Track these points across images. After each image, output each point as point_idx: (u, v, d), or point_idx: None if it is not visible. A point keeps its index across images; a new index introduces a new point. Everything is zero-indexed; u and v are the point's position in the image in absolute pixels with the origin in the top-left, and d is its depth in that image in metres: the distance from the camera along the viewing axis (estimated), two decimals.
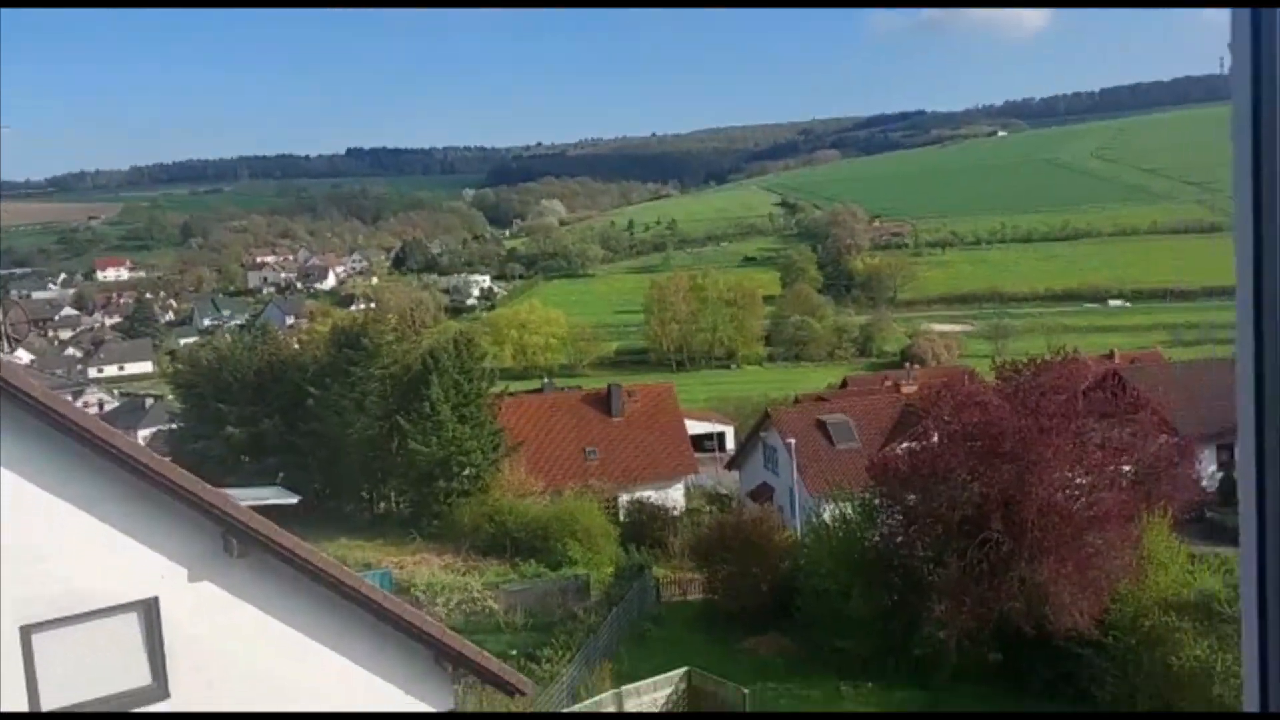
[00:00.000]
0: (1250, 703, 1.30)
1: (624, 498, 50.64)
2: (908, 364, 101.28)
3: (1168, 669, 22.04)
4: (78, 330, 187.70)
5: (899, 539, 28.46)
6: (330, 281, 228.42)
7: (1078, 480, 26.27)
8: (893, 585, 28.14)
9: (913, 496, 27.84)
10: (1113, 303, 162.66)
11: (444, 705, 12.76)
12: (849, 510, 31.01)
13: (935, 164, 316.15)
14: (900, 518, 28.50)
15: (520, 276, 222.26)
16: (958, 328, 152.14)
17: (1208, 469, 43.96)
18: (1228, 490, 46.25)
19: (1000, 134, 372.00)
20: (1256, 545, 1.27)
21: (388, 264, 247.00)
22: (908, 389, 53.01)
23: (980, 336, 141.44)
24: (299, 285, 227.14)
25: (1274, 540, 1.24)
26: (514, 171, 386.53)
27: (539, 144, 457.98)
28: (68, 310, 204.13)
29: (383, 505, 55.59)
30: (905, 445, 32.52)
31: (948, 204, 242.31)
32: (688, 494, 55.37)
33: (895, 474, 28.46)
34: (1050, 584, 24.23)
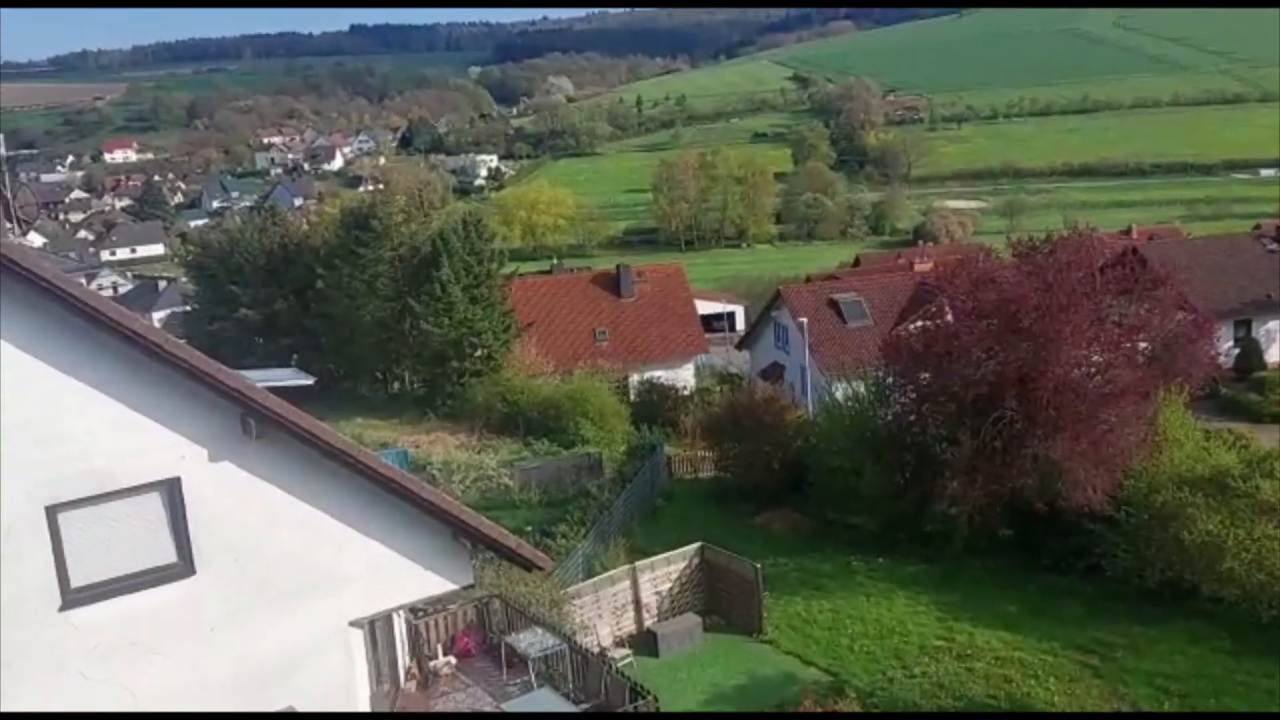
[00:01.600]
0: None
1: (634, 377, 50.91)
2: (921, 242, 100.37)
3: (1179, 543, 22.28)
4: (88, 213, 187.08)
5: (912, 417, 28.53)
6: (338, 162, 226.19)
7: (1094, 357, 26.15)
8: (905, 463, 28.35)
9: (926, 375, 27.81)
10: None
11: (463, 581, 12.97)
12: (861, 389, 31.06)
13: (952, 35, 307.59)
14: (913, 396, 28.53)
15: (527, 156, 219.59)
16: (973, 204, 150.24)
17: (1224, 345, 43.83)
18: (1243, 367, 46.23)
19: None
20: None
21: (394, 144, 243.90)
22: (921, 266, 52.62)
23: (996, 213, 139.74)
24: (306, 166, 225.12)
25: None
26: (520, 48, 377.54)
27: (545, 18, 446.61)
28: (77, 193, 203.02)
29: (397, 385, 56.05)
30: (919, 323, 32.38)
31: (964, 77, 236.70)
32: (698, 374, 55.62)
33: (909, 352, 28.38)
34: (1064, 461, 24.34)
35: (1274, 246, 52.16)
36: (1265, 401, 41.03)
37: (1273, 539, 21.44)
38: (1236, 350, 46.98)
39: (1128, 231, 69.93)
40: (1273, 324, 48.85)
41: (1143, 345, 28.11)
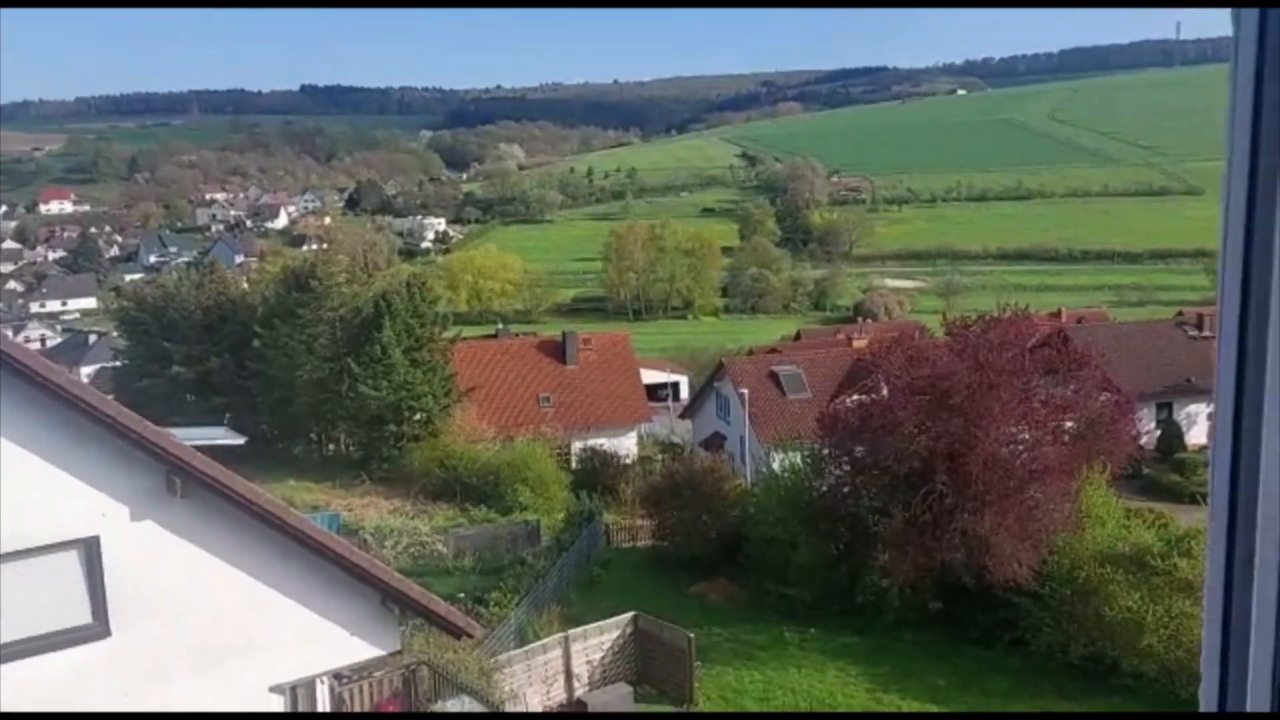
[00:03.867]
0: (1209, 703, 1.32)
1: (577, 445, 50.80)
2: (861, 318, 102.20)
3: (1100, 618, 22.70)
4: (19, 264, 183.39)
5: (846, 489, 28.87)
6: (282, 221, 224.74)
7: (1022, 435, 26.74)
8: (839, 534, 28.60)
9: (861, 448, 28.21)
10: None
11: (390, 647, 12.84)
12: (798, 460, 31.38)
13: (895, 120, 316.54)
14: (848, 468, 28.89)
15: (477, 221, 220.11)
16: (911, 284, 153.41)
17: (1146, 426, 44.99)
18: (1165, 448, 47.47)
19: (960, 92, 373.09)
20: (1226, 541, 1.28)
21: (341, 204, 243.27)
22: (859, 343, 53.55)
23: (933, 293, 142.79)
24: (249, 224, 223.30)
25: (1243, 537, 1.25)
26: (472, 114, 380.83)
27: (499, 87, 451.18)
28: (9, 243, 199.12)
29: (332, 448, 55.29)
30: (855, 398, 32.86)
31: (906, 161, 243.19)
32: (641, 442, 55.67)
33: (844, 425, 28.79)
34: (991, 535, 24.75)
35: (1195, 333, 53.95)
36: (1186, 482, 42.07)
37: (1190, 616, 21.92)
38: (1158, 432, 48.28)
39: (1057, 314, 71.80)
40: (1193, 407, 50.31)
41: (1068, 424, 28.80)
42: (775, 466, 33.97)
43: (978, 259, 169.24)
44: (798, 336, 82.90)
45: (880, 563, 26.04)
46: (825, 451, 29.85)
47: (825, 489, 29.57)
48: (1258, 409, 1.20)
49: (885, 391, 29.08)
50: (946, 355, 27.32)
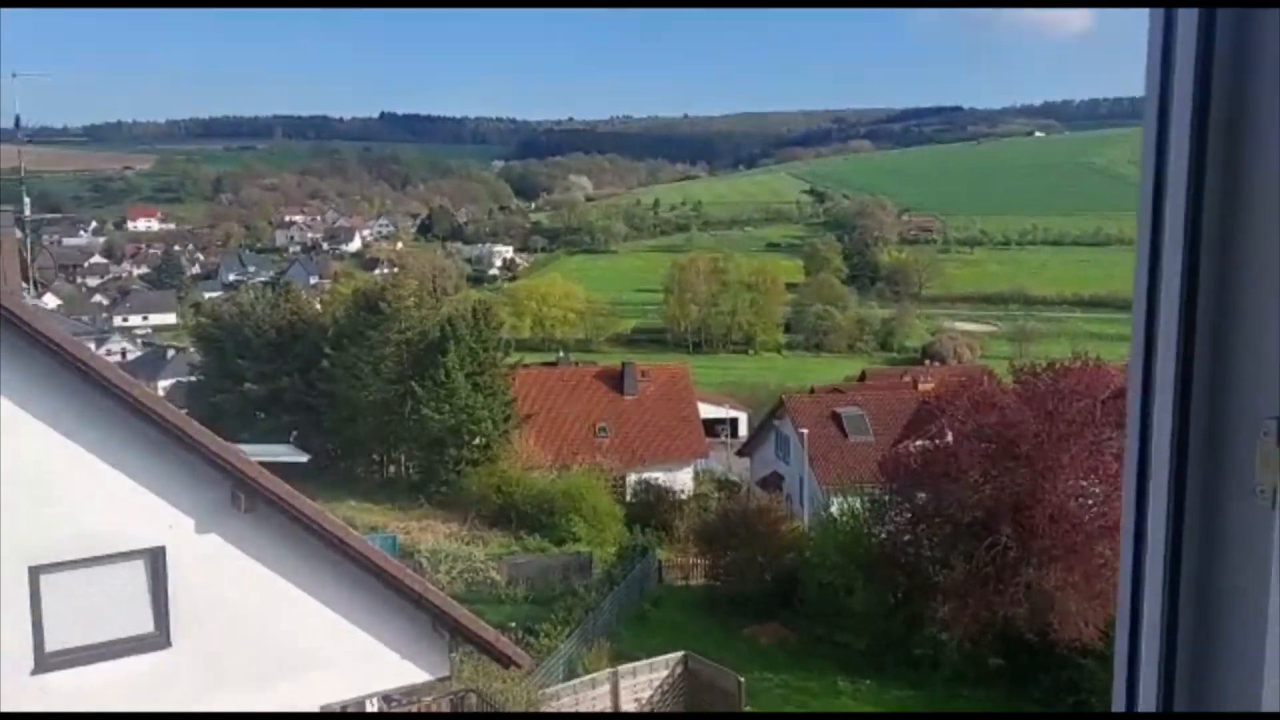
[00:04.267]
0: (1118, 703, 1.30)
1: (632, 477, 50.70)
2: (928, 361, 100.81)
3: None
4: (105, 278, 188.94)
5: (906, 537, 28.38)
6: (356, 244, 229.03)
7: (1092, 489, 26.09)
8: (897, 583, 28.07)
9: (923, 495, 27.74)
10: None
11: (440, 672, 12.85)
12: (858, 504, 30.94)
13: (969, 161, 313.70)
14: (909, 515, 28.41)
15: (543, 250, 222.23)
16: (982, 327, 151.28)
17: None
18: None
19: (1038, 134, 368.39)
20: (1133, 545, 1.26)
21: (413, 230, 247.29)
22: (925, 386, 52.77)
23: (1004, 338, 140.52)
24: (325, 246, 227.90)
25: (1154, 542, 1.23)
26: (543, 145, 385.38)
27: (570, 119, 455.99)
28: (97, 258, 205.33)
29: (393, 469, 55.88)
30: (919, 442, 32.39)
31: (979, 202, 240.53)
32: (697, 478, 55.36)
33: (907, 471, 28.36)
34: (1057, 591, 24.13)
35: None
36: None
37: None
38: None
39: None
40: None
41: None
42: (834, 510, 33.54)
43: (1052, 304, 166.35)
44: (862, 377, 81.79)
45: (939, 614, 25.50)
46: (886, 497, 29.43)
47: (885, 535, 29.11)
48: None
49: (950, 437, 28.61)
50: (1015, 402, 26.80)
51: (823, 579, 29.30)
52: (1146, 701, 1.24)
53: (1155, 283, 1.21)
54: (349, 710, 12.96)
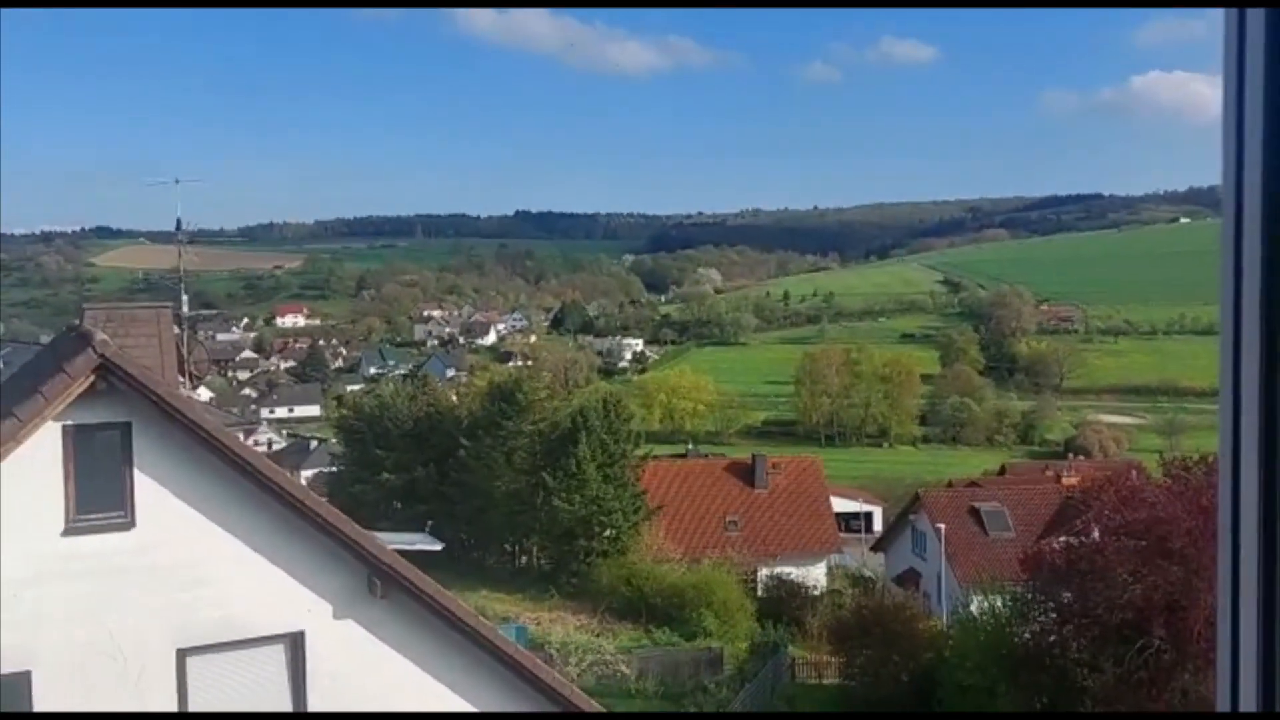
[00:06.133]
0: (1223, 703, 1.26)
1: (763, 572, 49.85)
2: (1071, 455, 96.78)
3: None
4: (255, 372, 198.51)
5: (1051, 638, 27.00)
6: (491, 338, 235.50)
7: None
8: (1042, 686, 26.66)
9: (1068, 594, 26.46)
10: None
11: None
12: (999, 603, 29.71)
13: (1110, 249, 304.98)
14: (1054, 615, 27.08)
15: (673, 342, 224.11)
16: (1128, 419, 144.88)
17: None
18: None
19: (1183, 220, 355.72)
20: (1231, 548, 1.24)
21: (546, 323, 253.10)
22: (1069, 480, 50.65)
23: (1153, 430, 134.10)
24: (461, 340, 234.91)
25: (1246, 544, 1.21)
26: (674, 239, 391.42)
27: (700, 212, 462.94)
28: (247, 353, 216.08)
29: (524, 559, 56.33)
30: (1063, 539, 31.04)
31: (1122, 291, 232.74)
32: (830, 573, 54.06)
33: (1050, 568, 27.16)
34: (1215, 699, 22.53)
35: None
36: None
37: None
38: None
39: None
40: None
41: None
42: (974, 608, 32.25)
43: (1203, 396, 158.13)
44: (1002, 471, 79.08)
45: None
46: (1029, 595, 28.18)
47: (1028, 635, 27.78)
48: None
49: (1096, 534, 27.33)
50: (1166, 498, 25.49)
51: (963, 681, 28.08)
52: (1247, 701, 1.20)
53: (1239, 289, 1.21)
54: None
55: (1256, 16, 1.16)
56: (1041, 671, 26.66)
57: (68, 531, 10.31)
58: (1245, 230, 1.21)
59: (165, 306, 13.04)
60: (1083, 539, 27.81)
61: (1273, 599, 1.16)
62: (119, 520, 10.47)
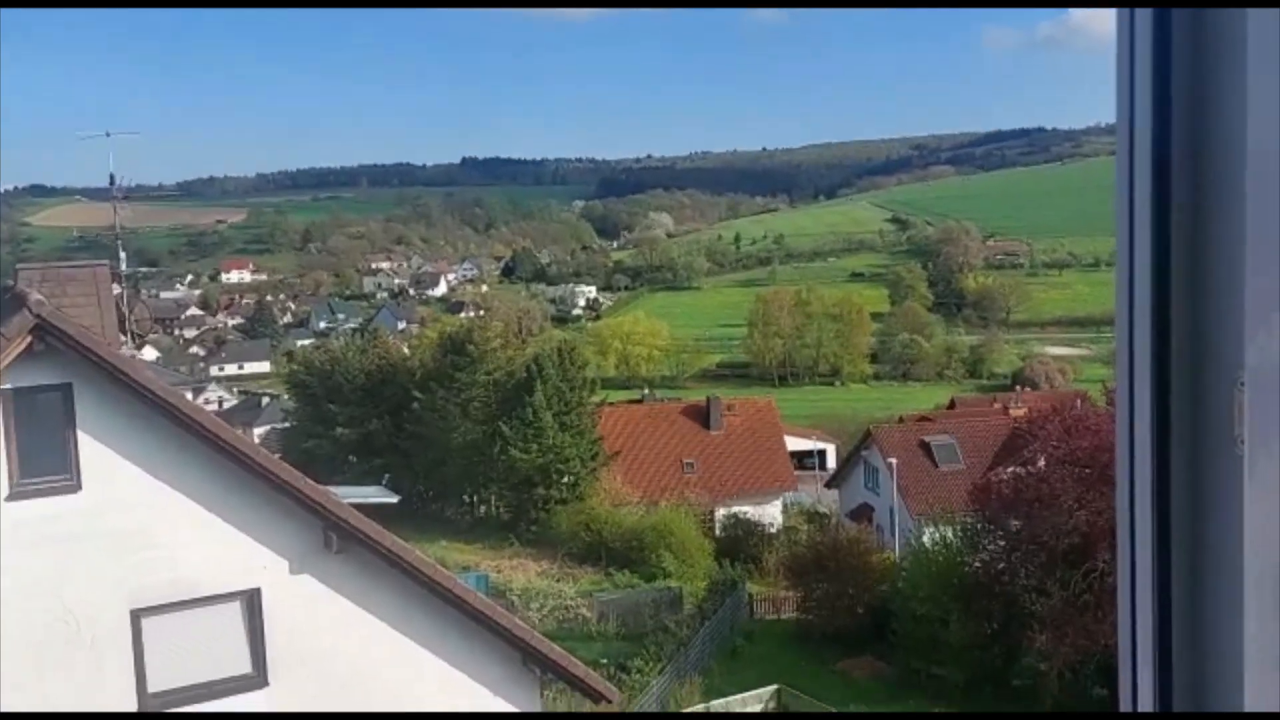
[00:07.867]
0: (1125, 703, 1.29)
1: (720, 512, 50.44)
2: (1019, 387, 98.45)
3: None
4: (202, 329, 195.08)
5: (1001, 566, 27.71)
6: (442, 288, 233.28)
7: None
8: (993, 613, 27.41)
9: (1017, 522, 27.12)
10: None
11: (530, 707, 12.92)
12: (950, 534, 30.36)
13: (1054, 182, 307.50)
14: (1003, 544, 27.78)
15: (626, 288, 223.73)
16: (1074, 351, 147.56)
17: None
18: None
19: None
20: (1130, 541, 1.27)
21: (497, 272, 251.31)
22: (1016, 411, 51.59)
23: (1097, 360, 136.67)
24: (411, 291, 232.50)
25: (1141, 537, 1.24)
26: (624, 183, 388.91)
27: (649, 156, 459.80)
28: (193, 310, 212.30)
29: (483, 509, 56.47)
30: (1011, 469, 31.69)
31: (1066, 224, 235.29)
32: (785, 511, 54.83)
33: (999, 498, 27.78)
34: None
35: None
36: None
37: None
38: None
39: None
40: None
41: None
42: (926, 540, 32.92)
43: None
44: (951, 404, 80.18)
45: (1038, 644, 24.80)
46: (979, 525, 28.83)
47: (979, 564, 28.47)
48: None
49: (1043, 463, 27.95)
50: (1109, 424, 26.08)
51: (917, 610, 28.74)
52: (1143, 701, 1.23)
53: (1132, 262, 1.24)
54: None
55: (1144, 16, 1.20)
56: (992, 599, 27.38)
57: (12, 496, 10.16)
58: (1136, 221, 1.25)
59: (102, 264, 12.78)
60: (1030, 469, 28.44)
61: (1166, 553, 1.19)
62: (65, 483, 10.34)
